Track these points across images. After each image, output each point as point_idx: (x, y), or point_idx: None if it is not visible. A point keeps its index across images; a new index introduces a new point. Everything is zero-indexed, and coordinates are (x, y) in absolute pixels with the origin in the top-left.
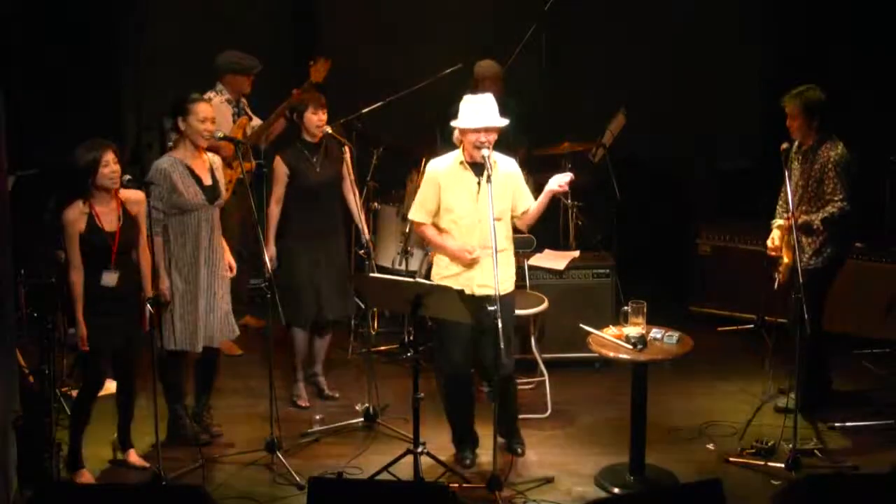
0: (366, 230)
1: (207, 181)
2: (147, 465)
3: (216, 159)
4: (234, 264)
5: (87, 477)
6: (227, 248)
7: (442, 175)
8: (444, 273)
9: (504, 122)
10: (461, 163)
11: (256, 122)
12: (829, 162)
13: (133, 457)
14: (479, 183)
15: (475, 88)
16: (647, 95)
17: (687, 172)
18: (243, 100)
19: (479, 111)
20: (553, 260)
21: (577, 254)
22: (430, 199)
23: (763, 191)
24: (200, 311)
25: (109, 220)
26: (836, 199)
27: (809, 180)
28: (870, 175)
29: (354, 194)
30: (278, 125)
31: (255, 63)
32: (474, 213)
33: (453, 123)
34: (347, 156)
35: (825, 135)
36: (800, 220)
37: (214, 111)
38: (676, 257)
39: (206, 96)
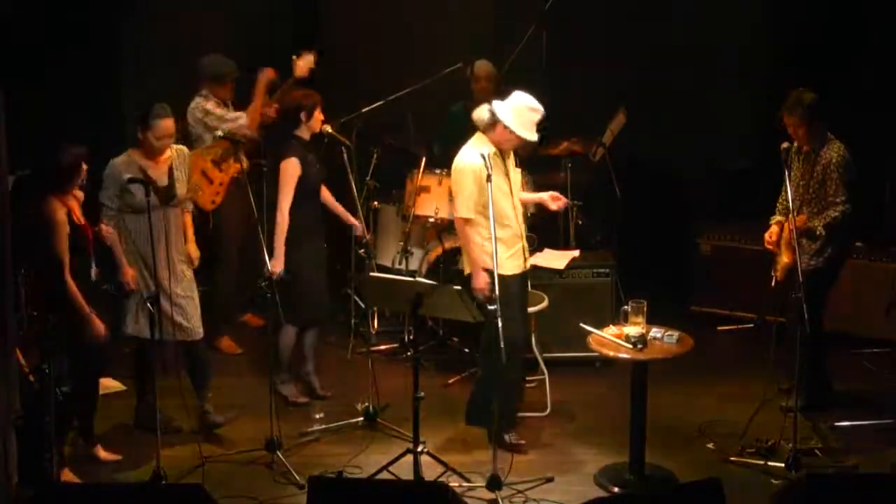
0: (360, 227)
1: (163, 182)
2: (118, 456)
3: (179, 154)
4: (195, 255)
5: (69, 476)
6: (191, 241)
7: (485, 167)
8: (505, 255)
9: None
10: (495, 153)
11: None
12: (831, 164)
13: (101, 451)
14: (508, 172)
15: (472, 87)
16: (647, 95)
17: (687, 172)
18: (229, 105)
19: (535, 122)
20: (553, 259)
21: (577, 253)
22: (476, 192)
23: (763, 191)
24: (162, 305)
25: (78, 215)
26: (837, 200)
27: (810, 181)
28: (869, 175)
29: (352, 193)
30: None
31: (231, 70)
32: (511, 199)
33: (508, 123)
34: (345, 155)
35: (825, 135)
36: (801, 227)
37: (208, 114)
38: (677, 257)
39: (192, 103)
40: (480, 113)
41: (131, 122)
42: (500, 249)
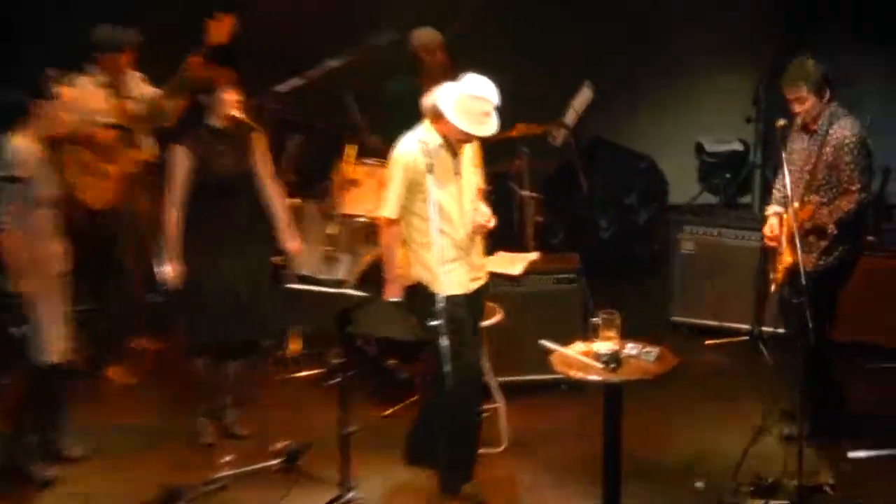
0: (292, 235)
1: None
2: None
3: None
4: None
5: None
6: (56, 241)
7: (419, 161)
8: (441, 270)
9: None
10: (442, 145)
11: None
12: (844, 144)
13: None
14: (458, 170)
15: (416, 61)
16: (618, 67)
17: (667, 157)
18: (138, 75)
19: (489, 114)
20: (507, 263)
21: (536, 255)
22: (405, 188)
23: (759, 177)
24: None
25: None
26: (852, 188)
27: (819, 165)
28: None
29: (276, 190)
30: (176, 104)
31: (129, 37)
32: (458, 203)
33: (448, 117)
34: (261, 143)
35: (835, 109)
36: (808, 225)
37: (82, 95)
38: (655, 257)
39: (77, 80)
40: (427, 99)
41: None
42: (433, 261)
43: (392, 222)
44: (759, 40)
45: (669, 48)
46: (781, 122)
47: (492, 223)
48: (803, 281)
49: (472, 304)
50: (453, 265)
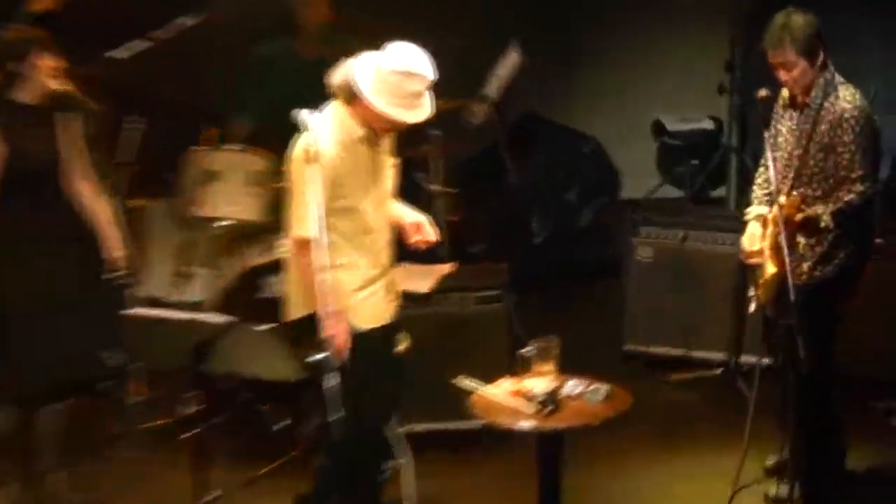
0: (117, 241)
1: None
2: None
3: None
4: None
5: None
6: None
7: (339, 157)
8: (360, 296)
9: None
10: (362, 137)
11: None
12: (843, 120)
13: None
14: (379, 167)
15: (291, 17)
16: (556, 28)
17: (618, 141)
18: None
19: (421, 95)
20: (414, 278)
21: (450, 267)
22: (323, 197)
23: (736, 165)
24: None
25: None
26: (854, 175)
27: (811, 147)
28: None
29: (90, 186)
30: None
31: None
32: (380, 209)
33: (369, 98)
34: (73, 124)
35: (830, 77)
36: (797, 217)
37: None
38: (604, 268)
39: None
40: (337, 75)
41: None
42: (349, 284)
43: (305, 244)
44: None
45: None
46: (763, 92)
47: (434, 237)
48: (793, 296)
49: (387, 339)
50: (371, 289)
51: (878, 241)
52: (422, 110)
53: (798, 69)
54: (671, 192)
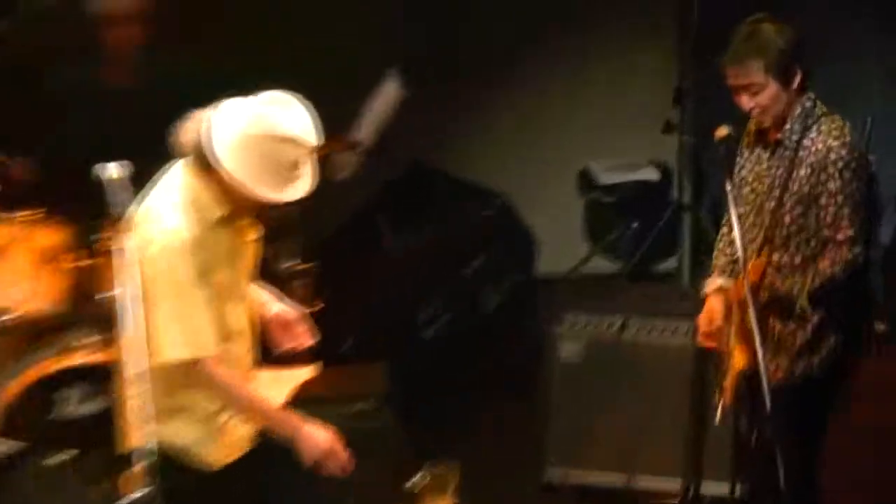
0: None
1: None
2: None
3: None
4: None
5: None
6: None
7: (201, 243)
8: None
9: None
10: (218, 220)
11: None
12: (828, 162)
13: None
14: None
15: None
16: (444, 50)
17: (531, 194)
18: None
19: (302, 165)
20: (262, 386)
21: (311, 371)
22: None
23: (686, 225)
24: None
25: None
26: (840, 235)
27: (786, 199)
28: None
29: None
30: None
31: None
32: (238, 299)
33: (244, 180)
34: None
35: (810, 105)
36: (765, 295)
37: None
38: (517, 369)
39: None
40: (188, 129)
41: None
42: (207, 410)
43: (210, 361)
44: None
45: (534, 15)
46: (724, 130)
47: (310, 339)
48: (768, 403)
49: (259, 466)
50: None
51: (880, 327)
52: (301, 184)
53: (767, 93)
54: (604, 265)
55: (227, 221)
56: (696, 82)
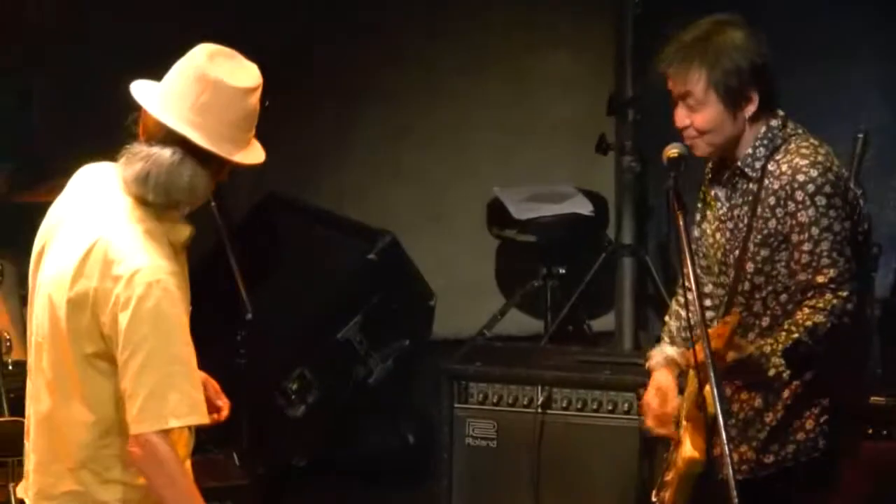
0: None
1: None
2: None
3: None
4: None
5: None
6: None
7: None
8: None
9: None
10: (185, 241)
11: None
12: (797, 186)
13: None
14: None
15: None
16: (299, 48)
17: (425, 232)
18: None
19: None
20: None
21: None
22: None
23: (627, 272)
24: None
25: None
26: (819, 279)
27: (750, 243)
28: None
29: None
30: None
31: None
32: None
33: (193, 138)
34: None
35: (778, 124)
36: (728, 356)
37: None
38: (410, 457)
39: None
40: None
41: None
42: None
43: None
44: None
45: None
46: (675, 150)
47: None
48: (734, 496)
49: None
50: None
51: (875, 399)
52: (254, 148)
53: (707, 113)
54: (522, 323)
55: (176, 257)
56: (642, 89)
